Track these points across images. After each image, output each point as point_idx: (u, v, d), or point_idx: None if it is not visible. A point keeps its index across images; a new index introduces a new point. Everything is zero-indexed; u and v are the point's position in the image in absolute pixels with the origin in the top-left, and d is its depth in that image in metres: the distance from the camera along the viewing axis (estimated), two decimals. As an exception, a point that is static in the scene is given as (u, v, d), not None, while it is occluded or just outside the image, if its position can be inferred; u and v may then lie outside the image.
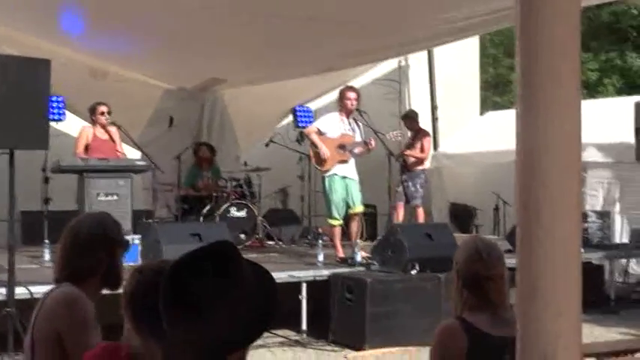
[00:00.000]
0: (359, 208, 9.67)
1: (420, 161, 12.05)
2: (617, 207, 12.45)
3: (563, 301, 1.05)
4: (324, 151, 9.43)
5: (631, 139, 11.19)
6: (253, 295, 1.86)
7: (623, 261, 11.15)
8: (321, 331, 8.33)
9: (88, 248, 3.26)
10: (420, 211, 11.82)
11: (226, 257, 1.85)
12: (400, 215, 11.90)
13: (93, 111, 9.98)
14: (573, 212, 1.08)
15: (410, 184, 11.84)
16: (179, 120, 12.06)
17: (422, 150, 12.03)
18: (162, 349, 1.88)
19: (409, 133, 12.35)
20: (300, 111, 14.05)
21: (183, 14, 9.30)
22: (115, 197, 8.77)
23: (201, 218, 10.91)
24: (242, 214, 11.06)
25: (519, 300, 1.11)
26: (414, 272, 8.44)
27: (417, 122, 12.44)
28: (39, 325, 3.19)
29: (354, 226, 9.71)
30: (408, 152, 11.93)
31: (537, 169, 1.03)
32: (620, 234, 12.22)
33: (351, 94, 9.65)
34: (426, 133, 12.34)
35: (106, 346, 2.67)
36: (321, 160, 9.52)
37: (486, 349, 3.28)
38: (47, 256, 8.98)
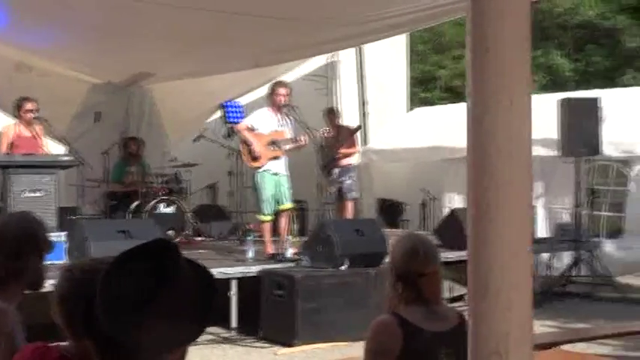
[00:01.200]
0: (288, 204, 9.64)
1: (350, 155, 11.99)
2: (541, 201, 12.69)
3: (515, 297, 1.05)
4: (257, 148, 9.37)
5: (554, 134, 11.45)
6: (192, 293, 1.84)
7: (546, 255, 11.37)
8: (251, 327, 8.29)
9: (16, 253, 3.15)
10: (352, 205, 11.78)
11: (165, 255, 1.82)
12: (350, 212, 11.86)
13: (19, 107, 9.72)
14: (524, 209, 1.08)
15: (345, 178, 11.74)
16: (106, 115, 11.88)
17: (354, 145, 12.07)
18: (98, 351, 1.84)
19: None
20: (229, 106, 13.99)
21: (110, 6, 9.14)
22: (40, 194, 8.58)
23: (129, 215, 10.75)
24: (171, 210, 10.94)
25: (471, 298, 1.12)
26: (344, 268, 8.46)
27: (338, 119, 12.38)
28: None
29: (283, 223, 9.70)
30: (344, 150, 11.82)
31: (488, 166, 1.03)
32: (544, 228, 12.47)
33: (282, 90, 9.59)
34: (349, 128, 12.27)
35: (36, 349, 2.60)
36: (253, 157, 9.45)
37: (421, 343, 3.31)
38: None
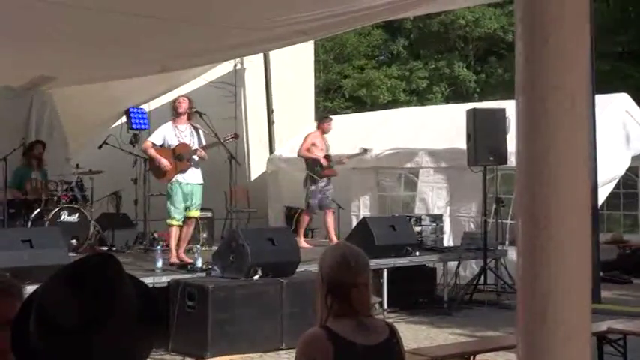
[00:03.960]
0: (194, 212, 9.53)
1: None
2: (447, 211, 12.82)
3: (575, 326, 0.93)
4: (165, 163, 9.30)
5: (461, 144, 11.58)
6: (138, 311, 1.69)
7: (454, 263, 11.47)
8: (160, 339, 8.06)
9: None
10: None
11: (106, 272, 1.66)
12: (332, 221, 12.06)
13: None
14: (587, 224, 0.97)
15: (329, 187, 12.11)
16: (5, 120, 11.40)
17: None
18: None
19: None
20: (134, 112, 13.67)
21: (8, 5, 8.76)
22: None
23: (30, 223, 10.35)
24: (74, 218, 10.58)
25: (522, 326, 0.99)
26: (256, 277, 8.32)
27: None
28: None
29: (187, 230, 9.55)
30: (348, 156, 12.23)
31: (547, 176, 0.91)
32: (450, 237, 12.60)
33: (182, 99, 9.69)
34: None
35: None
36: (160, 173, 9.43)
37: (351, 357, 3.24)
38: None
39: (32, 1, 8.56)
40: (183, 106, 9.53)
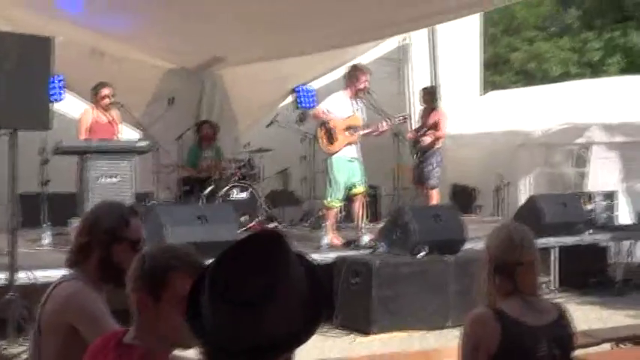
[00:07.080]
0: (361, 188, 9.39)
1: (436, 139, 11.65)
2: (622, 187, 12.32)
3: None
4: (337, 124, 9.14)
5: (637, 118, 11.10)
6: (304, 290, 1.73)
7: (628, 242, 11.02)
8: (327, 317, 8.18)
9: (80, 234, 3.23)
10: (434, 193, 11.31)
11: (275, 249, 1.70)
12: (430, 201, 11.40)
13: (96, 92, 9.78)
14: None
15: (426, 163, 11.43)
16: (180, 100, 11.80)
17: (437, 128, 11.62)
18: (204, 348, 1.74)
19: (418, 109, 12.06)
20: (301, 91, 13.90)
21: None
22: (117, 179, 8.59)
23: (203, 200, 10.73)
24: (244, 195, 10.85)
25: None
26: (421, 255, 8.30)
27: (435, 99, 11.94)
28: (46, 317, 3.07)
29: (357, 207, 9.48)
30: (430, 132, 11.58)
31: None
32: (626, 215, 12.10)
33: (365, 77, 9.37)
34: (440, 111, 11.87)
35: (105, 337, 2.59)
36: (330, 141, 9.24)
37: (519, 336, 3.27)
38: (47, 240, 8.83)
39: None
40: (366, 82, 9.33)
